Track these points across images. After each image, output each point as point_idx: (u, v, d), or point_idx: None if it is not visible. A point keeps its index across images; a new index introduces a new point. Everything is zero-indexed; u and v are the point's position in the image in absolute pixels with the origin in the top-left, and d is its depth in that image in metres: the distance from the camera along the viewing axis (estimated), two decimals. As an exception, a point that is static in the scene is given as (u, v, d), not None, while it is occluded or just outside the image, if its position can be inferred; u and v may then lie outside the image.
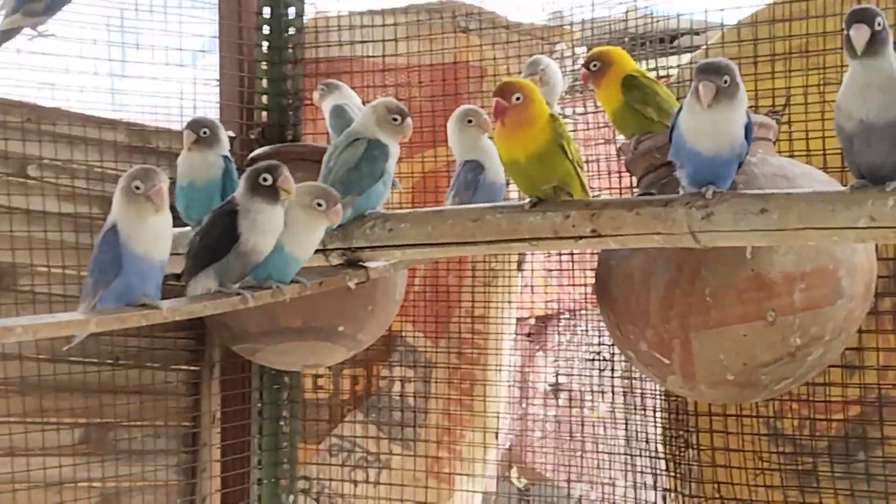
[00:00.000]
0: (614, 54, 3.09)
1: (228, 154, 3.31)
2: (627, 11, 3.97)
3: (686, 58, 3.97)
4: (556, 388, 4.57)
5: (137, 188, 2.53)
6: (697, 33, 4.25)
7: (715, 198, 2.47)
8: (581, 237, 2.66)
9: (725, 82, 2.40)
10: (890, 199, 2.24)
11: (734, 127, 2.46)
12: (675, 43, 4.12)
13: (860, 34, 2.22)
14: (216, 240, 2.71)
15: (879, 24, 2.23)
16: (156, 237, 2.58)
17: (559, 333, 4.66)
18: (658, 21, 3.98)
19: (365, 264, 3.07)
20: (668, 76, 3.97)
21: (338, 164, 2.99)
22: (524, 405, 4.89)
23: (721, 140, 2.45)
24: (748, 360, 2.88)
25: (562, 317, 4.76)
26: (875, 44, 2.24)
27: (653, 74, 3.73)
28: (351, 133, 3.05)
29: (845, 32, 2.26)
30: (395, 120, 3.01)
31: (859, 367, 3.42)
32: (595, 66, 3.06)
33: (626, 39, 3.93)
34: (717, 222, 2.47)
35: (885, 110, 2.25)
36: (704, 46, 3.76)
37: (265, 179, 2.68)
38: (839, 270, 2.84)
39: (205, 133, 3.24)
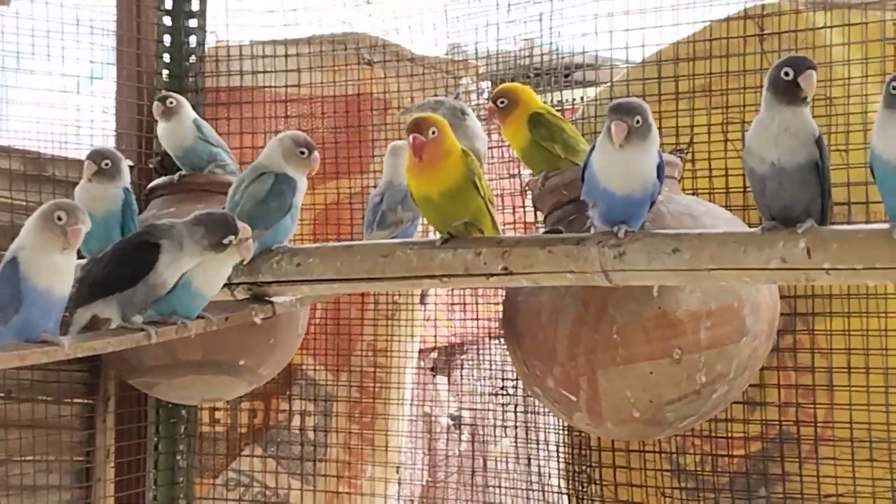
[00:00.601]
0: (521, 92, 3.10)
1: (129, 186, 3.25)
2: (531, 46, 3.98)
3: (588, 91, 4.00)
4: (458, 423, 4.55)
5: (59, 219, 2.46)
6: (599, 67, 4.28)
7: (627, 237, 2.48)
8: (492, 274, 2.65)
9: (637, 122, 2.41)
10: (801, 241, 2.27)
11: (647, 167, 2.47)
12: (571, 77, 4.14)
13: (811, 83, 2.26)
14: (126, 269, 2.65)
15: (786, 76, 2.29)
16: (58, 273, 2.50)
17: (461, 367, 4.63)
18: (562, 57, 4.00)
19: (271, 299, 3.02)
20: (572, 109, 4.00)
21: (244, 197, 2.93)
22: (426, 440, 4.86)
23: (634, 180, 2.46)
24: (654, 397, 2.89)
25: (464, 350, 4.75)
26: (789, 91, 2.28)
27: (555, 108, 3.77)
28: (257, 167, 2.99)
29: (790, 77, 2.28)
30: (301, 153, 2.96)
31: (761, 404, 3.46)
32: (502, 102, 3.06)
33: (532, 74, 3.94)
34: (629, 261, 2.47)
35: (796, 154, 2.29)
36: (609, 84, 3.78)
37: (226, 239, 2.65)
38: (744, 309, 2.87)
39: (106, 165, 3.17)
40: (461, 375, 4.59)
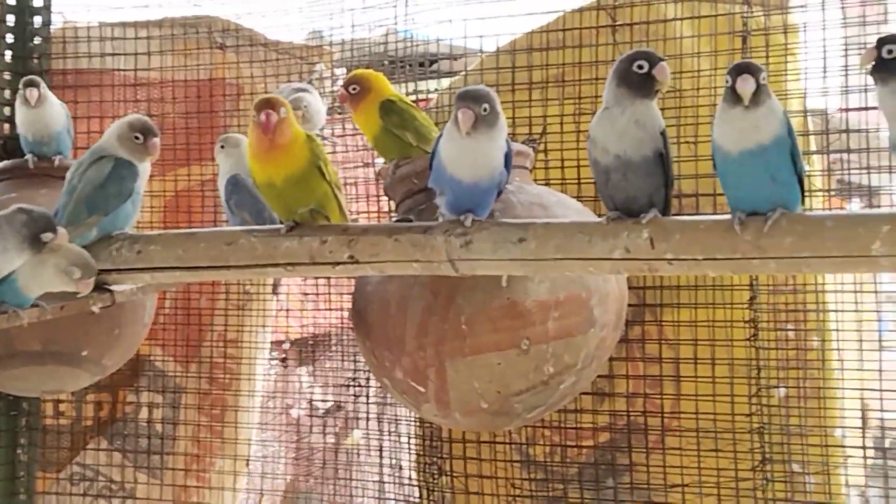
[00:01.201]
0: (373, 79, 3.05)
1: None
2: (387, 34, 3.94)
3: (445, 82, 3.97)
4: (310, 414, 4.49)
5: None
6: (456, 58, 4.26)
7: (474, 226, 2.45)
8: (339, 263, 2.60)
9: (485, 110, 2.38)
10: (644, 232, 2.27)
11: (494, 155, 2.44)
12: (434, 67, 4.12)
13: (666, 75, 2.27)
14: None
15: (641, 68, 2.29)
16: None
17: (314, 359, 4.57)
18: (417, 45, 3.97)
19: (111, 288, 2.92)
20: (426, 100, 3.97)
21: (83, 181, 2.83)
22: (283, 432, 4.78)
23: (481, 168, 2.43)
24: (502, 388, 2.87)
25: (319, 341, 4.69)
26: (645, 87, 2.29)
27: (412, 98, 3.73)
28: (96, 150, 2.88)
29: (643, 70, 2.27)
30: (136, 139, 2.85)
31: (609, 395, 3.48)
32: (354, 89, 3.01)
33: (386, 62, 3.90)
34: (476, 251, 2.45)
35: (642, 147, 2.29)
36: (463, 73, 3.76)
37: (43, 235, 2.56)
38: (592, 299, 2.87)
39: None
40: (314, 367, 4.52)
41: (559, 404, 3.05)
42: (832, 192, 3.31)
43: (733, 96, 2.14)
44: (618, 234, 2.30)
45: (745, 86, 2.11)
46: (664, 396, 3.43)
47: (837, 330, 3.28)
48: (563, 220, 2.47)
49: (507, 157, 2.48)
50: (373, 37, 4.04)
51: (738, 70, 2.13)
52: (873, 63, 2.14)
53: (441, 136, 2.49)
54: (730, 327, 3.33)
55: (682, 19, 3.42)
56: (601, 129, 2.34)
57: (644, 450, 3.43)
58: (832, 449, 3.27)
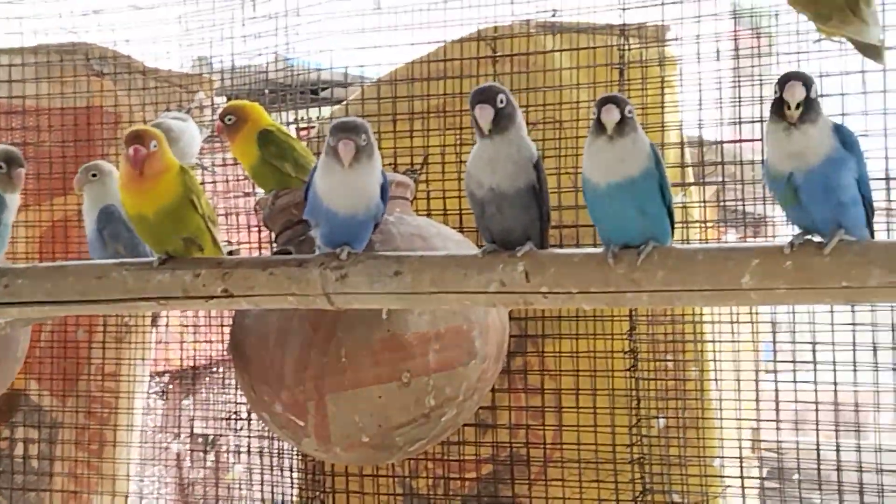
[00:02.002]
0: (249, 109, 3.02)
1: None
2: (276, 61, 3.91)
3: (328, 111, 3.95)
4: (191, 449, 4.40)
5: None
6: (344, 86, 4.24)
7: (350, 259, 2.42)
8: (212, 297, 2.54)
9: (364, 141, 2.36)
10: (519, 265, 2.25)
11: (370, 187, 2.42)
12: (319, 95, 4.09)
13: (485, 114, 2.24)
14: None
15: (502, 102, 2.26)
16: None
17: (195, 391, 4.49)
18: (300, 74, 3.94)
19: (-23, 323, 2.83)
20: (308, 128, 3.95)
21: (-54, 215, 2.74)
22: (165, 467, 4.68)
23: (357, 200, 2.40)
24: (383, 421, 2.85)
25: (199, 372, 4.61)
26: (501, 121, 2.26)
27: (295, 127, 3.70)
28: (-39, 184, 2.79)
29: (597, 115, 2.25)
30: (0, 169, 2.77)
31: (492, 426, 3.47)
32: (230, 120, 2.98)
33: (267, 91, 3.87)
34: (351, 284, 2.41)
35: (514, 179, 2.28)
36: (344, 103, 3.74)
37: None
38: (473, 331, 2.87)
39: None
40: (194, 400, 4.44)
41: (441, 437, 3.03)
42: (710, 224, 3.34)
43: (599, 127, 2.14)
44: (493, 267, 2.28)
45: (609, 115, 2.11)
46: (546, 427, 3.43)
47: (715, 360, 3.31)
48: (438, 254, 2.45)
49: (384, 189, 2.46)
50: (255, 65, 4.00)
51: (603, 101, 2.13)
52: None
53: (316, 167, 2.46)
54: (610, 358, 3.34)
55: (560, 51, 3.43)
56: (474, 161, 2.32)
57: (527, 481, 3.43)
58: (711, 479, 3.30)
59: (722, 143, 3.31)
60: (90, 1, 4.09)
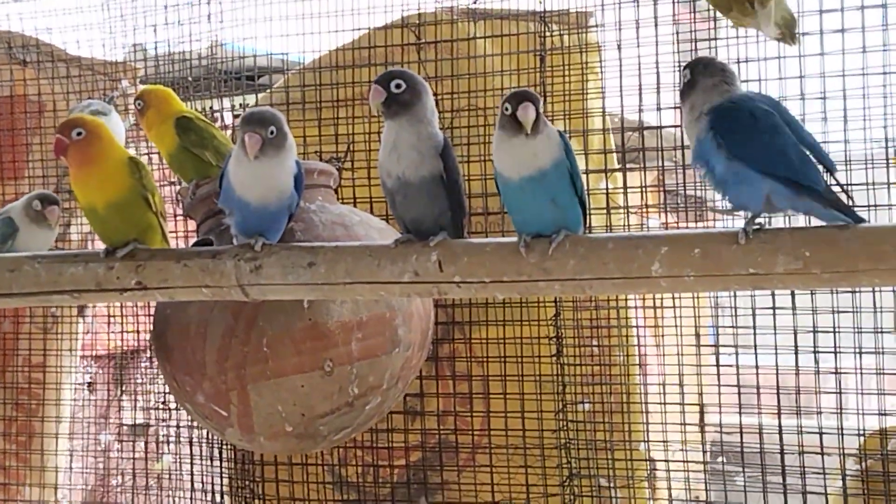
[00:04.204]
0: (161, 93, 2.98)
1: None
2: (211, 47, 3.87)
3: (254, 98, 3.92)
4: (119, 439, 4.36)
5: None
6: (281, 72, 4.21)
7: (264, 250, 2.40)
8: (126, 289, 2.51)
9: (272, 133, 2.34)
10: (433, 255, 2.24)
11: (282, 178, 2.40)
12: (253, 81, 4.06)
13: (529, 114, 2.19)
14: None
15: (398, 88, 2.25)
16: None
17: (122, 381, 4.44)
18: (230, 60, 3.90)
19: None
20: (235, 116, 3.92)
21: None
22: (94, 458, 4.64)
23: (268, 191, 2.38)
24: (306, 410, 2.83)
25: (126, 362, 4.55)
26: (395, 105, 2.25)
27: (229, 114, 3.68)
28: None
29: (510, 111, 2.22)
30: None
31: (420, 413, 3.46)
32: (139, 104, 2.93)
33: (191, 77, 3.83)
34: (266, 275, 2.39)
35: (419, 168, 2.27)
36: (269, 91, 3.71)
37: None
38: (396, 319, 2.85)
39: None
40: (121, 389, 4.39)
41: (366, 425, 3.02)
42: (635, 210, 3.35)
43: (513, 124, 2.13)
44: (406, 257, 2.27)
45: (527, 114, 2.10)
46: (474, 414, 3.43)
47: (641, 345, 3.32)
48: (352, 244, 2.43)
49: (298, 180, 2.44)
50: (180, 51, 3.96)
51: (518, 98, 2.12)
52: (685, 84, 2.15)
53: (229, 157, 2.44)
54: (536, 344, 3.34)
55: (484, 38, 3.42)
56: (382, 150, 2.32)
57: (456, 468, 3.42)
58: (637, 462, 3.31)
59: (643, 129, 3.30)
60: (11, -12, 4.03)
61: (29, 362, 4.14)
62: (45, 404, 4.14)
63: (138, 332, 4.15)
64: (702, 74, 2.14)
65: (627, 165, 3.33)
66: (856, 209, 1.99)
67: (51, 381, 4.14)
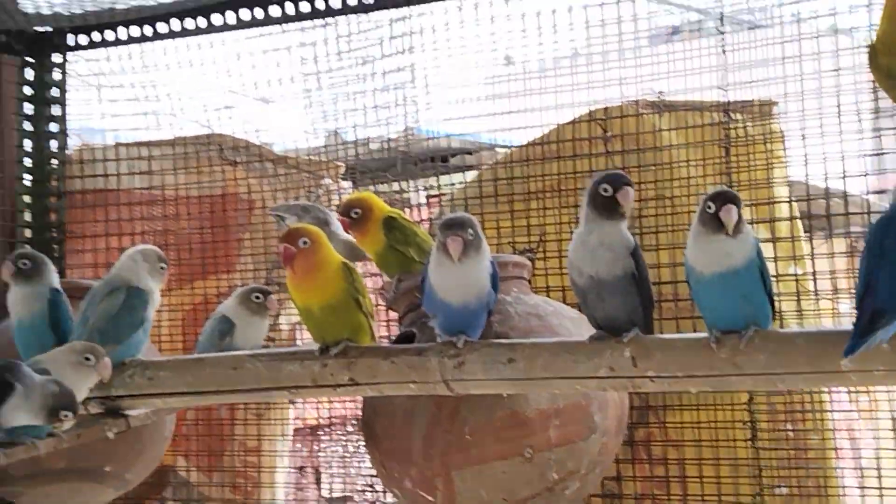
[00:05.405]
0: (372, 200, 3.16)
1: (57, 286, 3.17)
2: (405, 132, 4.04)
3: (458, 177, 4.05)
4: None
5: None
6: (470, 153, 4.36)
7: (466, 347, 2.53)
8: (339, 385, 2.69)
9: (471, 235, 2.48)
10: (626, 351, 2.34)
11: (481, 278, 2.53)
12: (447, 162, 4.21)
13: (628, 199, 2.35)
14: None
15: (605, 191, 2.37)
16: None
17: (330, 461, 4.59)
18: (425, 141, 4.07)
19: (125, 413, 3.02)
20: (440, 195, 4.06)
21: (97, 313, 2.94)
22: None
23: (469, 291, 2.52)
24: (508, 495, 2.93)
25: (334, 433, 4.70)
26: (610, 209, 2.37)
27: (423, 194, 3.83)
28: (109, 281, 3.01)
29: (608, 194, 2.36)
30: (161, 269, 3.02)
31: (619, 496, 3.52)
32: (356, 213, 3.10)
33: (400, 160, 3.99)
34: (468, 371, 2.53)
35: (612, 267, 2.37)
36: (463, 185, 3.86)
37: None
38: (591, 406, 2.94)
39: (24, 265, 3.11)
40: (332, 468, 4.55)
41: (567, 509, 3.10)
42: (823, 297, 3.35)
43: (714, 223, 2.22)
44: (601, 353, 2.38)
45: (731, 216, 2.19)
46: (672, 497, 3.47)
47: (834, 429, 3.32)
48: (549, 340, 2.55)
49: (493, 277, 2.57)
50: (381, 136, 4.13)
51: (723, 199, 2.21)
52: None
53: (429, 261, 2.59)
54: (731, 428, 3.37)
55: (671, 129, 3.51)
56: (574, 250, 2.43)
57: (657, 549, 3.46)
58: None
59: (829, 197, 3.30)
60: (223, 97, 4.30)
61: (244, 447, 4.35)
62: (260, 487, 4.34)
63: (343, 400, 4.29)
64: None
65: (814, 234, 3.35)
66: None
67: (265, 465, 4.33)
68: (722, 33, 3.42)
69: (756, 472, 3.35)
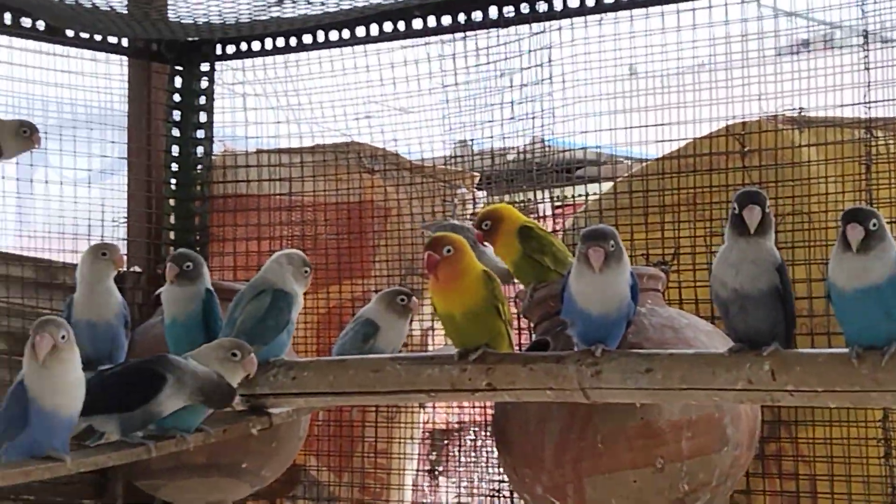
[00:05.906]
0: (504, 210, 3.22)
1: (210, 287, 3.33)
2: (525, 145, 4.09)
3: (591, 188, 4.09)
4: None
5: (33, 343, 2.59)
6: (598, 164, 4.39)
7: (604, 356, 2.59)
8: (477, 390, 2.76)
9: (612, 246, 2.53)
10: (766, 364, 2.38)
11: (621, 288, 2.59)
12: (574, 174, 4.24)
13: (753, 215, 2.38)
14: (129, 394, 2.78)
15: (734, 210, 2.42)
16: (64, 392, 2.62)
17: (459, 463, 4.64)
18: (561, 152, 4.11)
19: (268, 410, 3.12)
20: (574, 205, 4.10)
21: (244, 315, 3.06)
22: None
23: (609, 301, 2.58)
24: (639, 504, 2.97)
25: (462, 437, 4.76)
26: (763, 225, 2.41)
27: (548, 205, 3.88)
28: (256, 284, 3.12)
29: (736, 212, 2.40)
30: (305, 273, 3.13)
31: (748, 511, 3.52)
32: (486, 225, 3.17)
33: (534, 169, 4.04)
34: (605, 380, 2.58)
35: (757, 281, 2.41)
36: (598, 198, 3.90)
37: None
38: (724, 419, 2.96)
39: (188, 267, 3.27)
40: (458, 472, 4.60)
41: (697, 521, 3.12)
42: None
43: (844, 242, 2.25)
44: (740, 365, 2.41)
45: (854, 234, 2.22)
46: (802, 513, 3.46)
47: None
48: (687, 351, 2.59)
49: (633, 289, 2.63)
50: (512, 147, 4.19)
51: (848, 218, 2.25)
52: None
53: (569, 272, 2.65)
54: (864, 445, 3.36)
55: (809, 145, 3.51)
56: (719, 264, 2.47)
57: (785, 564, 3.46)
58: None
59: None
60: (363, 106, 4.40)
61: (375, 449, 4.43)
62: (389, 488, 4.42)
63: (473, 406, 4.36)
64: None
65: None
66: None
67: (394, 467, 4.42)
68: (866, 50, 3.40)
69: (889, 489, 3.32)
